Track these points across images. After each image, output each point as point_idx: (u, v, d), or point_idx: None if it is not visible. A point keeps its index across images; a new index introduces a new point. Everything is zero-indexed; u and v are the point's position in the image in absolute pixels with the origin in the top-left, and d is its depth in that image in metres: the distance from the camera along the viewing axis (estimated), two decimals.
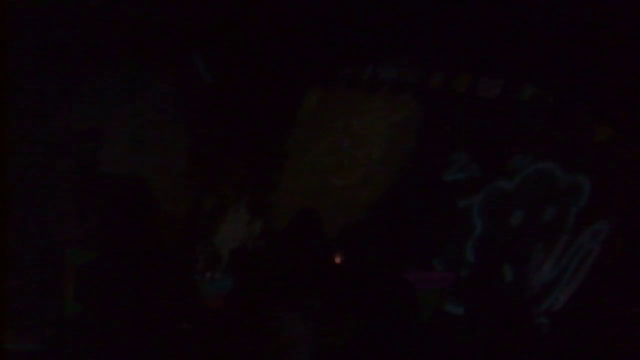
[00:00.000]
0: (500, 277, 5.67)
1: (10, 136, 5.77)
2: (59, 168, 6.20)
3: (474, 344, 5.54)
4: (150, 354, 4.24)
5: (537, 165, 5.70)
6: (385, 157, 6.00)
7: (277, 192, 6.16)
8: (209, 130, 6.23)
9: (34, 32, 6.05)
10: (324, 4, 5.93)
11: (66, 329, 4.84)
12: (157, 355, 4.26)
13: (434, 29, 5.74)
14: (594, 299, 5.47)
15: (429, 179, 5.89)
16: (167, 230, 4.81)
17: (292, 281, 4.84)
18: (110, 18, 6.11)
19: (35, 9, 6.07)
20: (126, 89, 6.24)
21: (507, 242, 5.70)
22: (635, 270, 5.39)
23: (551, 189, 5.66)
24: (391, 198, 5.94)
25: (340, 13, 5.89)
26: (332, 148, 6.16)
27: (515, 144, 5.72)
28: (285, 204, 6.09)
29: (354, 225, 5.75)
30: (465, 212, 5.77)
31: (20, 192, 5.88)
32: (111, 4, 6.08)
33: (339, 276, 4.98)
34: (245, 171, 6.20)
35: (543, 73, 5.65)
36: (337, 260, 5.04)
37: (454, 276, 5.74)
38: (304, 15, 5.98)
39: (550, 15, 5.57)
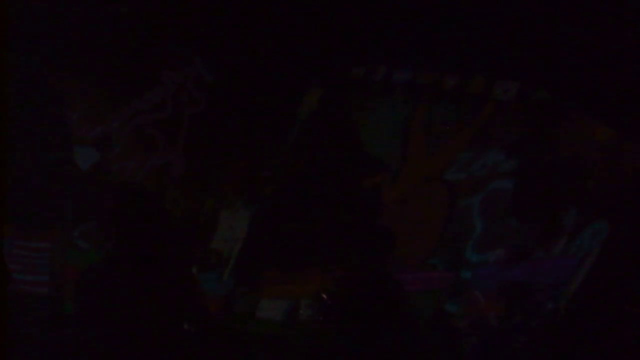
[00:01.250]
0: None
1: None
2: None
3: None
4: (152, 356, 4.24)
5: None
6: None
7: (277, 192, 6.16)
8: (209, 129, 6.23)
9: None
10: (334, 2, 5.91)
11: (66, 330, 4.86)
12: (158, 357, 4.26)
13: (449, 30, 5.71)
14: (594, 299, 5.47)
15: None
16: (170, 232, 4.82)
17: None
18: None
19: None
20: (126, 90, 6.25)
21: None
22: (635, 270, 5.39)
23: None
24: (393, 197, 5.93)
25: (351, 10, 5.87)
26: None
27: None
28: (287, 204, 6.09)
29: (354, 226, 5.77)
30: (466, 212, 5.77)
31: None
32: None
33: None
34: (246, 171, 6.19)
35: (546, 74, 5.65)
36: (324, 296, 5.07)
37: (454, 276, 5.74)
38: (312, 12, 5.96)
39: (551, 15, 5.57)
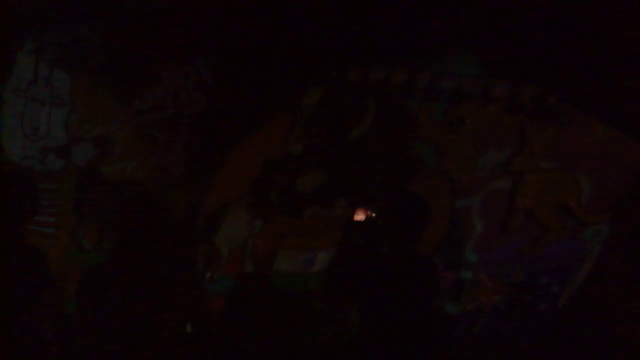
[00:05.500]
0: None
1: None
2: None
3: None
4: (154, 355, 4.25)
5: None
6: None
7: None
8: (209, 129, 6.24)
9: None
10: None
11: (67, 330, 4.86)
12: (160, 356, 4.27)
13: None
14: (594, 298, 5.49)
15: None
16: (173, 233, 4.83)
17: None
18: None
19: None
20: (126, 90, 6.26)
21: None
22: (635, 270, 5.40)
23: None
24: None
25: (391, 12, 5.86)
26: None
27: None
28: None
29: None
30: (465, 212, 5.78)
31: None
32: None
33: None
34: (247, 170, 6.20)
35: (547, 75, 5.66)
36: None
37: (454, 276, 5.74)
38: (314, 11, 5.97)
39: (552, 16, 5.58)
